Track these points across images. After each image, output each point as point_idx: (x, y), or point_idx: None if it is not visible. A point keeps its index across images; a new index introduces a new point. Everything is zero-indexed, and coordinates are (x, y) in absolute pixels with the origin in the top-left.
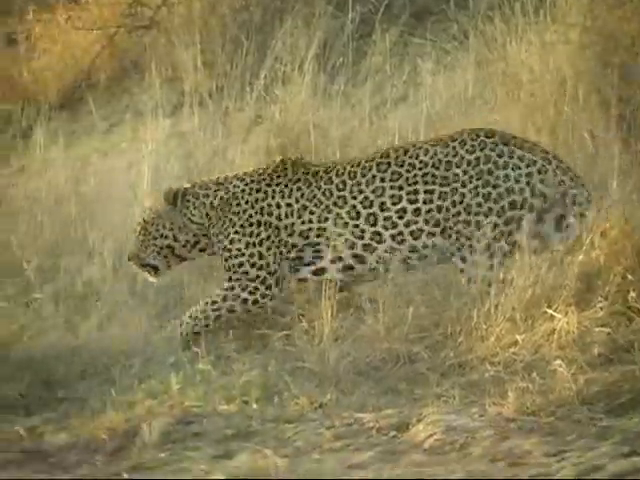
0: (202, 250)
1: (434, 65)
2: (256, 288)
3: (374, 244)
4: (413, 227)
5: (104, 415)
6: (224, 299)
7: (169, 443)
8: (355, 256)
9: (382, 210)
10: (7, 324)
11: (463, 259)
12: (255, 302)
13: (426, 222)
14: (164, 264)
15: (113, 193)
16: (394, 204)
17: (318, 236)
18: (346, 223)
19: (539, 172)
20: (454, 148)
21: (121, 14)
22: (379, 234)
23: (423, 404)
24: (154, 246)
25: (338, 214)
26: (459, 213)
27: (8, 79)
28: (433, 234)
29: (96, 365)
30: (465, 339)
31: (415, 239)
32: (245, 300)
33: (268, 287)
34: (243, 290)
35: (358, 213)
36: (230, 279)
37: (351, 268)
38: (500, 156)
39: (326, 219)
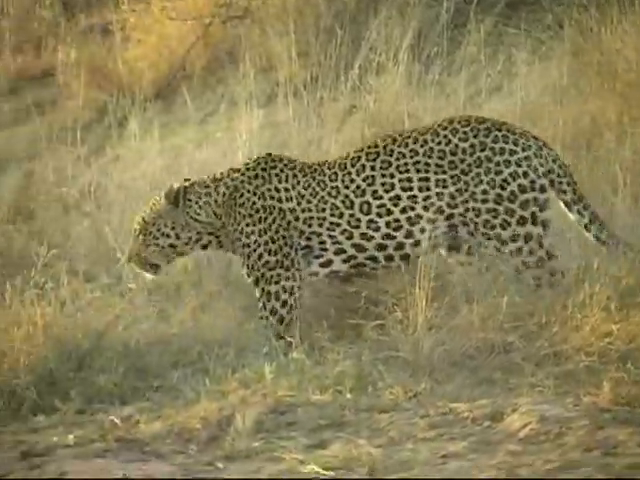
0: (204, 247)
1: (529, 55)
2: (278, 275)
3: (371, 232)
4: (410, 213)
5: (198, 404)
6: (268, 300)
7: (262, 432)
8: (355, 245)
9: (375, 198)
10: (102, 314)
11: (498, 249)
12: (285, 290)
13: (425, 209)
14: (165, 261)
15: None
16: (387, 192)
17: (320, 225)
18: (342, 213)
19: (535, 155)
20: (446, 136)
21: (215, 4)
22: (374, 222)
23: (518, 394)
24: (156, 245)
25: (334, 204)
26: (466, 201)
27: (103, 70)
28: (434, 220)
29: (190, 354)
30: (560, 329)
31: (412, 225)
32: (277, 294)
33: (287, 268)
34: (271, 284)
35: (352, 202)
36: (257, 280)
37: (354, 258)
38: (495, 142)
39: (323, 209)
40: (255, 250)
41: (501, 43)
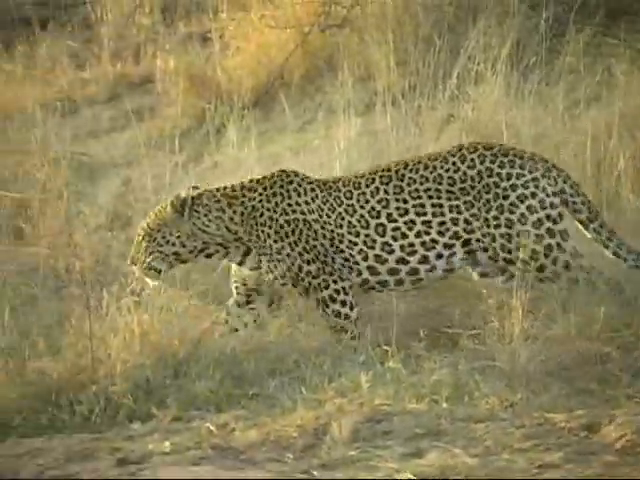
0: (208, 256)
1: (628, 66)
2: (325, 280)
3: (385, 255)
4: (425, 238)
5: (294, 412)
6: (327, 306)
7: (359, 441)
8: (368, 267)
9: (390, 221)
10: (199, 322)
11: (522, 270)
12: (337, 291)
13: (440, 234)
14: (168, 268)
15: None
16: (401, 216)
17: (341, 242)
18: (358, 232)
19: (543, 176)
20: (454, 163)
21: (314, 13)
22: (389, 245)
23: (614, 405)
24: (159, 252)
25: (350, 222)
26: (481, 227)
27: (202, 77)
28: (451, 246)
29: (286, 362)
30: None
31: (427, 250)
32: (332, 297)
33: (330, 273)
34: (321, 291)
35: (368, 223)
36: (307, 292)
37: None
38: (502, 167)
39: (341, 225)
40: (293, 264)
41: (600, 53)
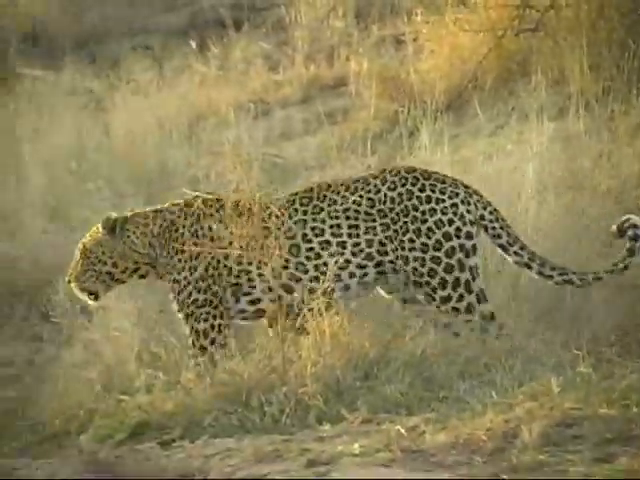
0: (142, 277)
1: None
2: (207, 312)
3: (298, 274)
4: (338, 258)
5: (484, 416)
6: (197, 338)
7: (548, 445)
8: (282, 285)
9: (305, 241)
10: (389, 324)
11: (429, 295)
12: (213, 327)
13: (353, 254)
14: (103, 289)
15: (497, 196)
16: (316, 236)
17: (249, 264)
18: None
19: (462, 202)
20: (375, 185)
21: (508, 16)
22: (303, 264)
23: None
24: (93, 272)
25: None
26: (396, 249)
27: (396, 80)
28: (363, 267)
29: (476, 366)
30: None
31: (341, 269)
32: (205, 330)
33: (215, 307)
34: (199, 322)
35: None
36: (187, 317)
37: (280, 298)
38: (422, 191)
39: (254, 248)
40: (186, 288)
41: None
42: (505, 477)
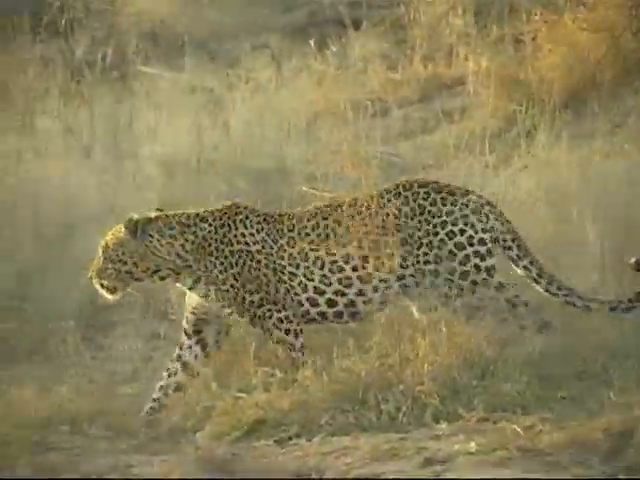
0: (162, 278)
1: None
2: (269, 310)
3: (323, 287)
4: (361, 272)
5: (601, 416)
6: (271, 334)
7: None
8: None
9: (328, 255)
10: (506, 324)
11: (448, 304)
12: (280, 320)
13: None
14: (122, 286)
15: (613, 196)
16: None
17: (282, 272)
18: (298, 264)
19: (474, 213)
20: (389, 200)
21: (627, 16)
22: (327, 277)
23: None
24: (113, 269)
25: (291, 254)
26: (413, 264)
27: (514, 79)
28: (386, 280)
29: (594, 366)
30: None
31: (364, 283)
32: (275, 325)
33: (274, 302)
34: (265, 319)
35: (307, 255)
36: (253, 321)
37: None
38: (433, 205)
39: (282, 257)
40: (237, 294)
41: None
42: (622, 477)
